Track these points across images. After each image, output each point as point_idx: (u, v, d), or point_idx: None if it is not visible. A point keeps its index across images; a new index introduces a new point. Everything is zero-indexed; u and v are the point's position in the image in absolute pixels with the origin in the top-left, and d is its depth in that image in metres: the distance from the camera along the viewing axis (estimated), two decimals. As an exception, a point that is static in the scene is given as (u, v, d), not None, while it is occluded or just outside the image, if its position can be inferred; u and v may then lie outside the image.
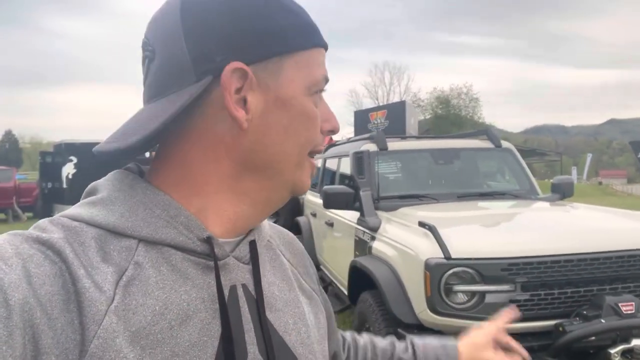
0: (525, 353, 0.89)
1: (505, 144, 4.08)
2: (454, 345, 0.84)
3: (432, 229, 2.48)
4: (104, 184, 0.53)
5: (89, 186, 0.55)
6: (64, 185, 11.33)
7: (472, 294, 2.33)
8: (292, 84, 0.52)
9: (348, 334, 0.83)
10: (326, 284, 4.75)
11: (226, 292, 0.52)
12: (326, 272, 4.75)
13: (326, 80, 0.56)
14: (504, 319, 0.89)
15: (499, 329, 0.88)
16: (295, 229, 6.11)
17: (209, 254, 0.52)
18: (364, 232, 3.34)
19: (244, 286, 0.55)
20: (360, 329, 3.06)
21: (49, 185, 12.26)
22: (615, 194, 35.07)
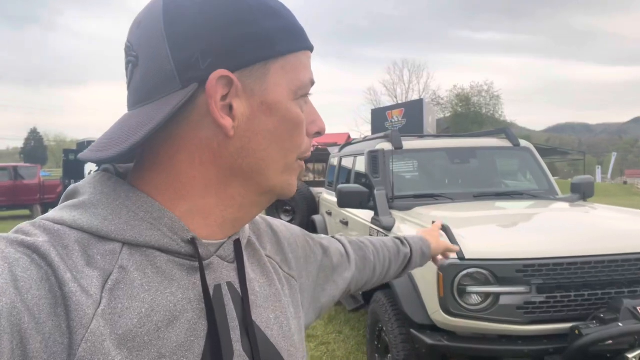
0: (457, 248, 1.21)
1: (523, 143, 4.01)
2: (424, 237, 1.10)
3: (446, 229, 2.45)
4: (86, 187, 0.53)
5: (69, 188, 0.54)
6: (87, 183, 11.55)
7: (486, 295, 2.30)
8: (278, 89, 0.52)
9: (365, 239, 0.96)
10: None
11: (211, 292, 0.53)
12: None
13: (312, 82, 0.56)
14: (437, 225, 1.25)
15: (438, 230, 1.21)
16: (311, 227, 6.13)
17: (193, 254, 0.52)
18: (378, 231, 3.33)
19: (229, 284, 0.56)
20: (373, 328, 3.05)
21: (72, 182, 12.51)
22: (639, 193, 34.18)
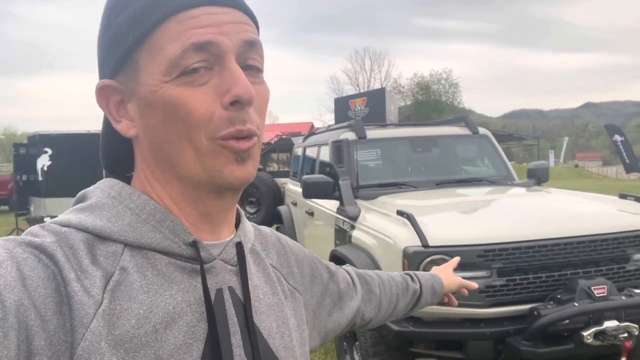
0: (475, 285, 1.19)
1: (482, 130, 4.11)
2: (436, 274, 1.07)
3: (409, 218, 2.50)
4: (93, 191, 0.55)
5: (79, 193, 0.55)
6: (40, 178, 11.07)
7: (450, 281, 2.36)
8: (149, 77, 0.50)
9: (372, 272, 0.93)
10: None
11: (212, 295, 0.53)
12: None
13: (193, 47, 0.48)
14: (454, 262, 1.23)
15: (453, 262, 1.22)
16: (277, 218, 6.11)
17: (195, 257, 0.52)
18: (344, 221, 3.35)
19: (230, 289, 0.55)
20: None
21: (24, 177, 11.97)
22: (590, 176, 35.87)
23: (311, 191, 3.54)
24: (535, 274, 2.38)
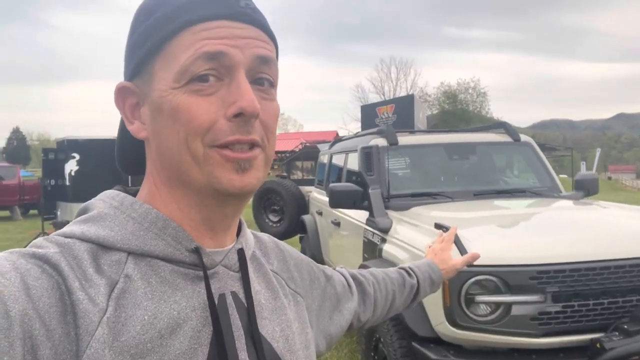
0: (477, 254, 1.14)
1: (524, 137, 3.81)
2: (433, 262, 1.06)
3: (455, 239, 2.23)
4: (95, 203, 0.55)
5: (82, 206, 0.56)
6: (67, 183, 11.16)
7: (497, 305, 2.08)
8: (161, 83, 0.52)
9: (366, 272, 0.92)
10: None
11: (216, 300, 0.53)
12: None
13: (205, 57, 0.50)
14: (452, 232, 1.25)
15: (450, 242, 1.22)
16: (301, 227, 5.89)
17: (197, 264, 0.53)
18: (374, 233, 3.10)
19: (233, 294, 0.56)
20: (369, 338, 2.82)
21: (52, 182, 12.11)
22: (624, 189, 34.55)
23: (338, 200, 3.30)
24: (595, 300, 2.08)
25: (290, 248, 0.74)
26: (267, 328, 0.57)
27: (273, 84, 0.55)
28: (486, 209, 2.99)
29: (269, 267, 0.65)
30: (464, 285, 2.08)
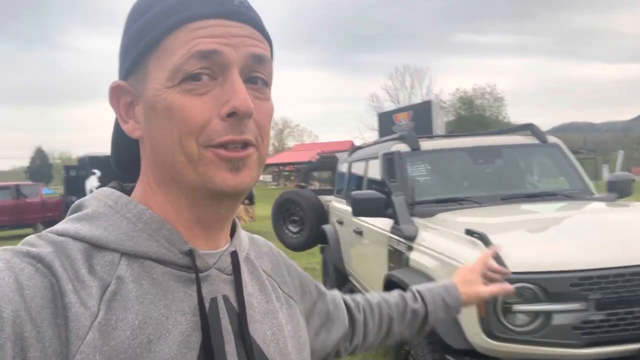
0: (507, 271, 1.00)
1: (552, 139, 3.67)
2: (453, 284, 0.94)
3: (482, 238, 2.13)
4: (90, 201, 0.55)
5: (75, 203, 0.56)
6: (88, 199, 11.29)
7: (536, 314, 1.97)
8: (154, 82, 0.51)
9: (360, 297, 0.88)
10: (356, 297, 4.42)
11: (207, 304, 0.53)
12: (356, 284, 4.41)
13: (199, 55, 0.49)
14: (488, 254, 1.02)
15: (484, 263, 0.99)
16: (321, 237, 5.80)
17: (190, 266, 0.53)
18: (399, 241, 3.00)
19: (225, 297, 0.55)
20: (399, 351, 2.71)
21: (73, 199, 12.25)
22: (651, 191, 33.57)
23: (361, 208, 3.22)
24: (643, 307, 1.95)
25: (285, 255, 0.74)
26: (259, 331, 0.57)
27: (267, 83, 0.54)
28: (516, 213, 2.87)
29: (262, 269, 0.65)
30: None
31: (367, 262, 3.97)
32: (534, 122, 3.84)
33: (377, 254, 3.46)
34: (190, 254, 0.52)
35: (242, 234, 0.63)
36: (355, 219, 4.10)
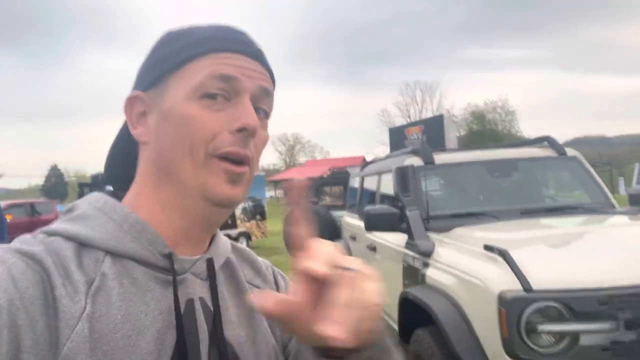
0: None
1: (570, 151, 3.58)
2: None
3: (503, 254, 2.04)
4: (80, 204, 0.59)
5: (68, 205, 0.60)
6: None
7: (562, 335, 1.86)
8: (174, 95, 0.57)
9: None
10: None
11: (183, 305, 0.55)
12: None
13: (219, 77, 0.56)
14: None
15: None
16: (334, 254, 5.70)
17: (168, 268, 0.56)
18: (414, 257, 2.91)
19: (201, 299, 0.58)
20: (416, 372, 2.60)
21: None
22: (670, 205, 32.82)
23: (375, 223, 3.15)
24: (676, 327, 1.84)
25: (267, 263, 0.74)
26: (233, 332, 0.59)
27: (268, 115, 0.61)
28: (537, 228, 2.77)
29: (242, 273, 0.66)
30: (523, 314, 1.87)
31: (381, 279, 3.88)
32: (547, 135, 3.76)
33: (391, 270, 3.37)
34: (170, 257, 0.56)
35: (221, 243, 0.65)
36: (368, 235, 4.02)
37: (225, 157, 0.55)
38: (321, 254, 0.44)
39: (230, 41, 0.58)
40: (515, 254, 2.04)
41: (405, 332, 2.81)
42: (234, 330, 0.59)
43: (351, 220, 5.15)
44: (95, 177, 12.71)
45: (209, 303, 0.58)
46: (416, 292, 2.64)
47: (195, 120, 0.55)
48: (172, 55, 0.58)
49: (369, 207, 3.22)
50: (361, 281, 0.43)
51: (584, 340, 1.83)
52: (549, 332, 1.87)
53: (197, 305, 0.57)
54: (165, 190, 0.57)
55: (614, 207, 3.28)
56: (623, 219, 2.92)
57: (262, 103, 0.59)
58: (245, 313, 0.62)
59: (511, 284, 1.94)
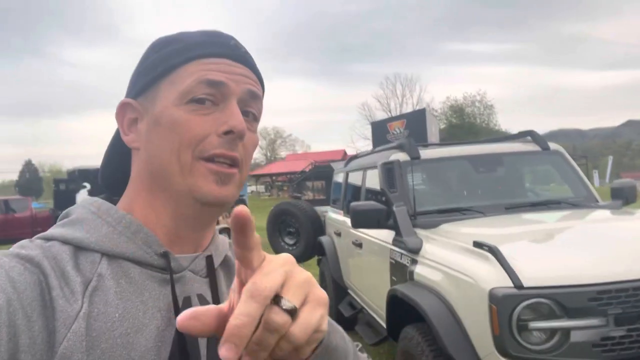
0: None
1: (553, 145, 3.60)
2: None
3: (494, 251, 2.03)
4: (75, 209, 0.60)
5: (64, 211, 0.61)
6: (78, 213, 11.06)
7: (553, 331, 1.86)
8: (163, 101, 0.58)
9: None
10: (356, 310, 4.29)
11: (180, 302, 0.57)
12: (356, 297, 4.28)
13: (207, 83, 0.57)
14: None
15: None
16: (318, 249, 5.68)
17: (165, 267, 0.57)
18: (402, 254, 2.89)
19: (199, 296, 0.59)
20: (405, 370, 2.59)
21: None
22: (642, 196, 33.80)
23: (361, 220, 3.11)
24: (664, 321, 1.85)
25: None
26: None
27: (256, 118, 0.62)
28: (523, 223, 2.78)
29: None
30: (514, 311, 1.86)
31: (367, 276, 3.86)
32: (523, 129, 3.77)
33: (378, 267, 3.35)
34: (165, 255, 0.57)
35: (219, 241, 0.67)
36: (354, 231, 4.00)
37: (213, 159, 0.56)
38: (270, 276, 0.37)
39: (218, 46, 0.60)
40: (505, 251, 2.03)
41: (394, 329, 2.79)
42: None
43: (336, 216, 5.12)
44: (71, 173, 12.42)
45: (209, 299, 0.59)
46: (405, 289, 2.62)
47: (182, 124, 0.56)
48: (160, 62, 0.59)
49: (355, 204, 3.18)
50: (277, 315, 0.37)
51: (575, 337, 1.84)
52: (540, 329, 1.87)
53: (195, 302, 0.58)
54: (157, 193, 0.59)
55: (597, 200, 3.31)
56: (607, 213, 2.95)
57: (250, 106, 0.60)
58: None
59: (502, 281, 1.93)
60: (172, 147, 0.56)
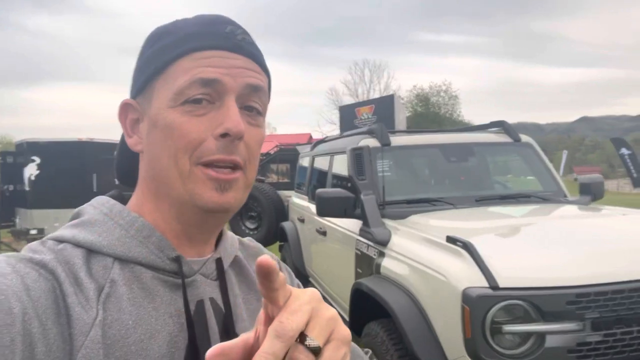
0: None
1: (525, 137, 3.52)
2: None
3: (468, 247, 1.90)
4: (86, 209, 0.59)
5: (75, 211, 0.59)
6: (27, 188, 10.41)
7: (527, 335, 1.75)
8: (158, 101, 0.56)
9: None
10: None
11: (193, 307, 0.56)
12: (318, 287, 4.13)
13: (200, 82, 0.55)
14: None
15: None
16: (280, 235, 5.49)
17: (177, 272, 0.56)
18: (369, 245, 2.74)
19: (211, 300, 0.59)
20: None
21: (10, 187, 11.36)
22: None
23: (328, 208, 2.94)
24: None
25: (273, 256, 0.74)
26: (245, 330, 0.56)
27: (261, 112, 0.59)
28: (495, 217, 2.67)
29: (251, 269, 0.67)
30: (488, 313, 1.74)
31: (331, 266, 3.71)
32: (484, 121, 3.70)
33: (342, 257, 3.19)
34: (178, 260, 0.56)
35: (229, 241, 0.65)
36: (318, 218, 3.83)
37: (211, 165, 0.54)
38: (296, 315, 0.36)
39: (211, 37, 0.56)
40: (479, 247, 1.90)
41: (357, 323, 2.65)
42: (246, 327, 0.59)
43: (300, 201, 4.94)
44: (19, 146, 11.65)
45: (220, 303, 0.59)
46: (370, 283, 2.47)
47: (177, 128, 0.54)
48: (154, 58, 0.57)
49: (321, 190, 3.00)
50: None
51: (550, 342, 1.73)
52: (515, 332, 1.75)
53: (208, 306, 0.57)
54: (162, 198, 0.58)
55: (565, 195, 3.26)
56: (579, 209, 2.89)
57: (252, 100, 0.57)
58: (257, 309, 0.62)
59: (476, 281, 1.80)
60: (169, 153, 0.55)
